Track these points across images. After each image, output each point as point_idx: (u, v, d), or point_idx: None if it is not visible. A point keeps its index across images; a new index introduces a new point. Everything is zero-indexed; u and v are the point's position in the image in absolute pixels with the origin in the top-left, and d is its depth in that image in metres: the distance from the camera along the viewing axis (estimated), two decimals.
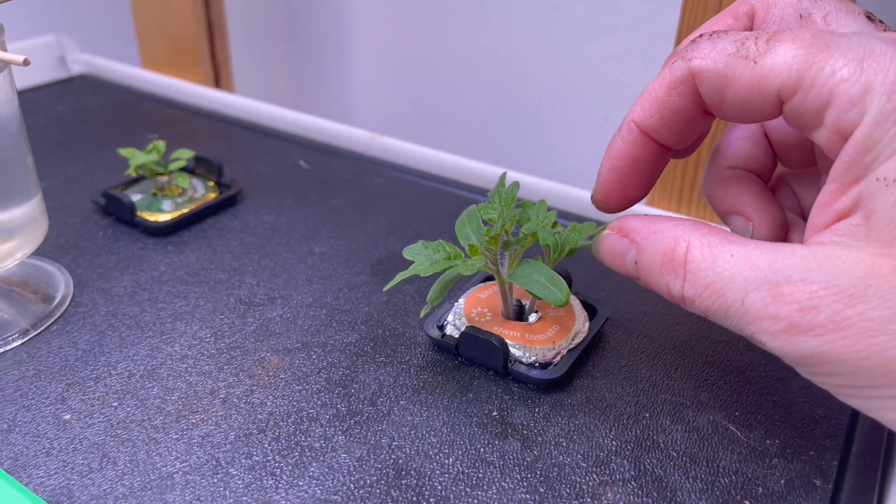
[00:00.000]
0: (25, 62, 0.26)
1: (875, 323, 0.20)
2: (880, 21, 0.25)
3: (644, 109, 0.26)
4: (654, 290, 0.26)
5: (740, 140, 0.29)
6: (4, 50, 0.31)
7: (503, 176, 0.33)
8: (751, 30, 0.27)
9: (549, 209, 0.32)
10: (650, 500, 0.26)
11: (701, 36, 0.24)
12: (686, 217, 0.27)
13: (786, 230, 0.28)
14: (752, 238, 0.26)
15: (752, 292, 0.22)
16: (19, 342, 0.33)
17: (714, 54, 0.23)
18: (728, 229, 0.27)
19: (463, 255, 0.31)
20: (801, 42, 0.22)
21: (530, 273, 0.30)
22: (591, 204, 0.29)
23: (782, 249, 0.22)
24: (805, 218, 0.29)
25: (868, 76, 0.20)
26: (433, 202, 0.46)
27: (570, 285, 0.35)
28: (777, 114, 0.23)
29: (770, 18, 0.27)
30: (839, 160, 0.22)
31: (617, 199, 0.28)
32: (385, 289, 0.31)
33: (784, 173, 0.30)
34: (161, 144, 0.44)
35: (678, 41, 0.39)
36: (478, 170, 0.49)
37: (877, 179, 0.21)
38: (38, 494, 0.25)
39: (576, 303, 0.34)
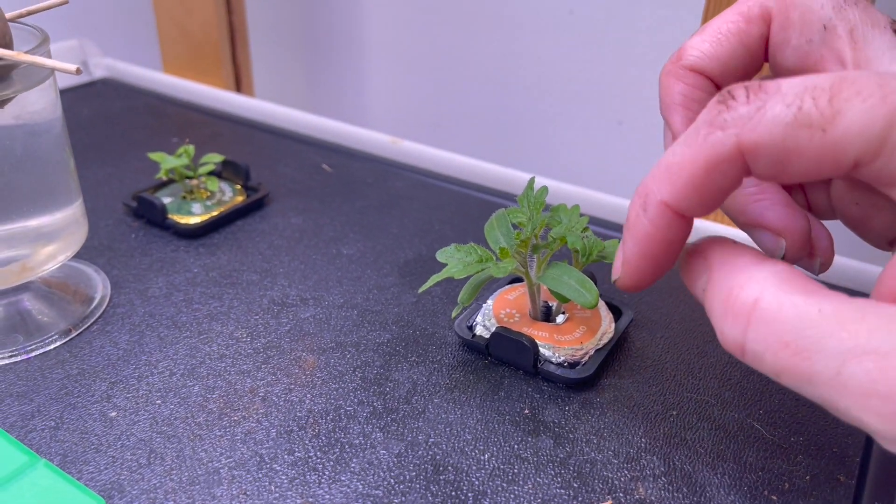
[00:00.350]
0: (78, 71, 0.27)
1: None
2: None
3: (677, 190, 0.22)
4: (720, 332, 0.22)
5: None
6: (50, 57, 0.32)
7: (531, 180, 0.34)
8: (766, 38, 0.26)
9: (581, 215, 0.33)
10: (681, 496, 0.27)
11: (734, 96, 0.21)
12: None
13: (811, 245, 0.27)
14: (783, 257, 0.26)
15: (852, 361, 0.18)
16: (60, 342, 0.34)
17: (767, 124, 0.20)
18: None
19: (493, 257, 0.32)
20: (871, 97, 0.19)
21: (560, 275, 0.31)
22: (616, 279, 0.26)
23: (882, 310, 0.19)
24: (815, 212, 0.28)
25: None
26: (454, 204, 0.47)
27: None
28: (852, 172, 0.20)
29: (791, 28, 0.25)
30: None
31: (649, 281, 0.25)
32: (420, 290, 0.32)
33: None
34: (191, 149, 0.45)
35: None
36: (497, 173, 0.50)
37: None
38: (90, 489, 0.26)
39: (601, 304, 0.35)
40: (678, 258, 0.25)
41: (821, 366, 0.19)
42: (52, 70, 0.32)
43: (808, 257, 0.27)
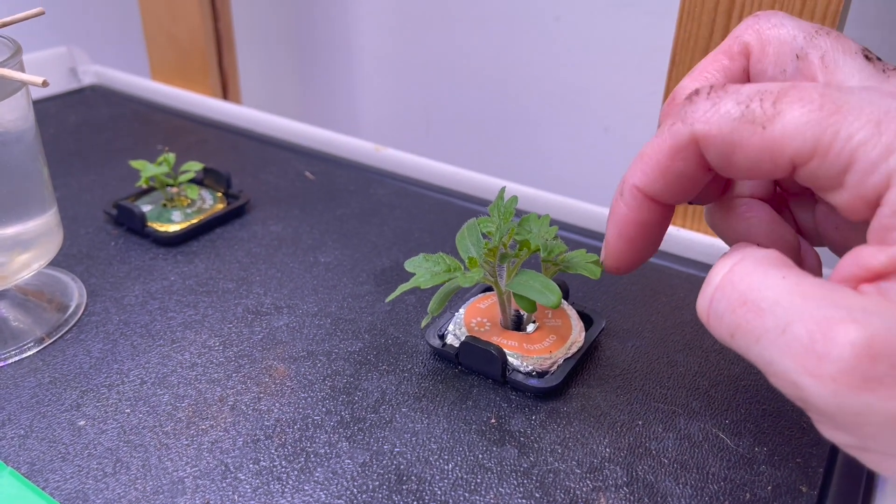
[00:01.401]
0: (44, 83, 0.28)
1: None
2: (878, 59, 0.25)
3: (646, 175, 0.25)
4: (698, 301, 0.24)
5: None
6: (22, 69, 0.32)
7: (502, 190, 0.34)
8: (747, 71, 0.27)
9: (553, 223, 0.33)
10: None
11: (698, 93, 0.23)
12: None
13: (799, 260, 0.28)
14: None
15: (797, 321, 0.20)
16: (35, 350, 0.34)
17: (718, 119, 0.22)
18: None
19: (462, 267, 0.32)
20: (810, 104, 0.21)
21: (526, 280, 0.31)
22: (602, 264, 0.28)
23: (837, 288, 0.20)
24: (802, 234, 0.29)
25: (888, 139, 0.20)
26: (435, 213, 0.47)
27: (566, 296, 0.37)
28: (790, 174, 0.22)
29: (766, 59, 0.26)
30: (876, 223, 0.21)
31: (629, 262, 0.27)
32: (387, 300, 0.32)
33: (781, 192, 0.30)
34: (171, 157, 0.45)
35: (673, 56, 0.40)
36: (479, 181, 0.50)
37: None
38: (54, 498, 0.27)
39: (572, 313, 0.35)
40: (660, 242, 0.27)
41: (770, 324, 0.20)
42: (25, 84, 0.33)
43: None
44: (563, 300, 0.36)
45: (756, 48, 0.27)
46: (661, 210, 0.26)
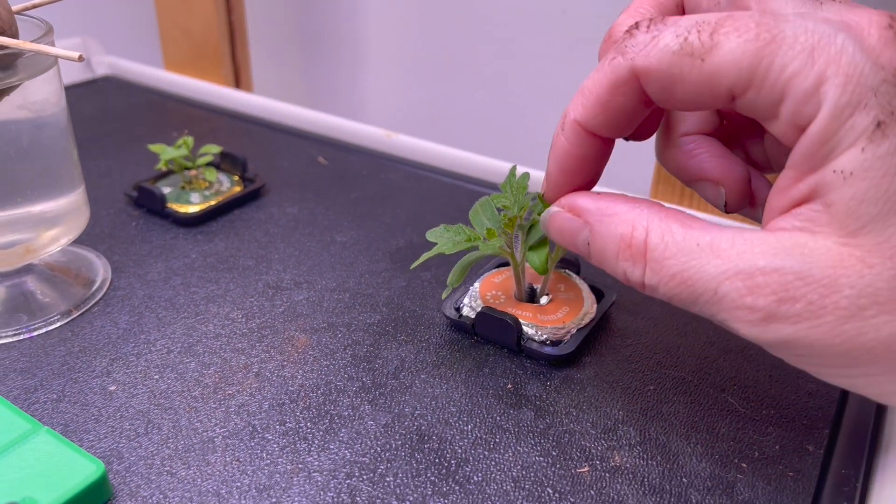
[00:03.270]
0: (80, 58, 0.29)
1: (848, 311, 0.21)
2: None
3: (586, 109, 0.25)
4: (609, 273, 0.26)
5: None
6: (54, 47, 0.33)
7: (513, 168, 0.35)
8: (682, 5, 0.27)
9: None
10: (654, 463, 0.28)
11: (637, 26, 0.23)
12: (640, 197, 0.26)
13: (751, 190, 0.29)
14: (725, 203, 0.28)
15: (725, 282, 0.22)
16: (62, 322, 0.35)
17: (657, 52, 0.22)
18: (681, 208, 0.27)
19: (482, 238, 0.33)
20: (746, 33, 0.21)
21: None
22: (543, 197, 0.29)
23: (748, 236, 0.22)
24: (756, 167, 0.30)
25: (820, 67, 0.20)
26: (446, 196, 0.48)
27: (578, 272, 0.38)
28: (729, 104, 0.23)
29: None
30: (797, 150, 0.22)
31: (566, 194, 0.28)
32: (412, 266, 0.33)
33: (731, 128, 0.30)
34: (190, 140, 0.46)
35: None
36: (488, 165, 0.51)
37: (834, 171, 0.21)
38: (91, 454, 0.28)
39: (584, 287, 0.36)
40: (598, 177, 0.28)
41: (701, 289, 0.23)
42: (56, 59, 0.34)
43: (751, 206, 0.29)
44: (575, 274, 0.37)
45: None
46: (599, 144, 0.26)
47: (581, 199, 0.26)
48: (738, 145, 0.30)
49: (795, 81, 0.21)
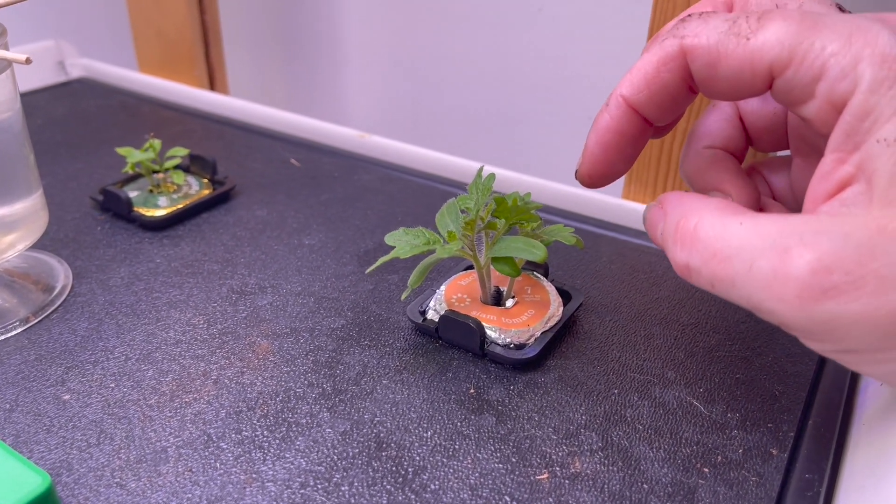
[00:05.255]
0: (28, 61, 0.28)
1: (888, 281, 0.20)
2: (849, 12, 0.26)
3: (633, 84, 0.27)
4: (672, 264, 0.26)
5: (717, 122, 0.31)
6: (6, 50, 0.32)
7: (480, 169, 0.35)
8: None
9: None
10: (615, 469, 0.27)
11: (690, 16, 0.25)
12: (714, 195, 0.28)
13: (760, 209, 0.29)
14: None
15: (760, 258, 0.22)
16: (20, 329, 0.34)
17: (706, 31, 0.24)
18: None
19: (442, 241, 0.33)
20: (791, 20, 0.23)
21: (507, 244, 0.31)
22: (575, 179, 0.30)
23: (792, 218, 0.22)
24: (777, 199, 0.31)
25: (857, 48, 0.22)
26: (418, 197, 0.48)
27: (546, 274, 0.37)
28: (766, 89, 0.24)
29: (749, 6, 0.28)
30: (838, 129, 0.22)
31: (601, 172, 0.29)
32: (367, 272, 0.32)
33: (754, 162, 0.32)
34: (157, 143, 0.45)
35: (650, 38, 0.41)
36: (461, 166, 0.51)
37: (877, 141, 0.21)
38: (39, 467, 0.27)
39: (551, 289, 0.36)
40: (632, 162, 0.29)
41: (738, 266, 0.22)
42: (10, 63, 0.33)
43: None
44: (543, 276, 0.37)
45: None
46: (640, 124, 0.28)
47: (667, 194, 0.27)
48: (761, 178, 0.31)
49: (833, 60, 0.22)
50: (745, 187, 0.29)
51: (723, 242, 0.23)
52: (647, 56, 0.26)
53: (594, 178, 0.29)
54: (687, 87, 0.26)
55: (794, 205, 0.30)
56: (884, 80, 0.21)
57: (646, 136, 0.28)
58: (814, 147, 0.28)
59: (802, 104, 0.24)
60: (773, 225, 0.22)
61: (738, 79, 0.24)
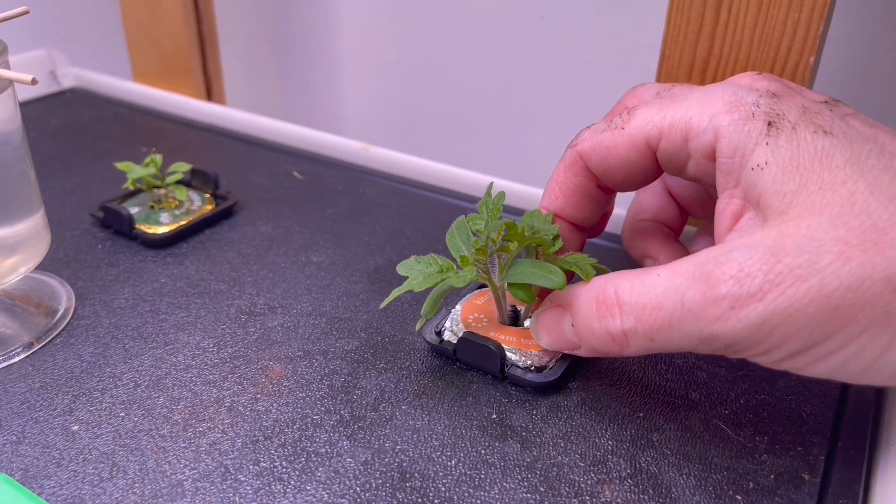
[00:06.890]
0: (34, 81, 0.27)
1: (803, 269, 0.22)
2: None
3: (550, 195, 0.32)
4: (598, 350, 0.28)
5: (649, 198, 0.36)
6: (8, 68, 0.31)
7: (490, 186, 0.34)
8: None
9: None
10: (646, 497, 0.27)
11: (580, 132, 0.31)
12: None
13: None
14: None
15: (687, 291, 0.24)
16: (23, 355, 0.33)
17: (591, 134, 0.30)
18: None
19: (455, 266, 0.32)
20: (652, 104, 0.28)
21: (523, 269, 0.31)
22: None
23: (702, 252, 0.25)
24: None
25: (710, 106, 0.26)
26: (425, 210, 0.47)
27: None
28: (656, 167, 0.29)
29: (628, 101, 0.34)
30: (718, 172, 0.26)
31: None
32: (381, 306, 0.32)
33: (702, 227, 0.37)
34: (158, 158, 0.44)
35: (663, 52, 0.40)
36: (467, 178, 0.50)
37: (752, 169, 0.25)
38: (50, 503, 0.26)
39: None
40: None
41: (671, 307, 0.25)
42: (11, 82, 0.32)
43: None
44: None
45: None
46: (570, 228, 0.33)
47: (555, 294, 0.30)
48: (710, 240, 0.35)
49: (694, 121, 0.27)
50: (675, 252, 0.33)
51: (649, 295, 0.25)
52: (555, 170, 0.32)
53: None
54: (595, 184, 0.31)
55: None
56: (737, 120, 0.26)
57: (582, 237, 0.33)
58: None
59: (685, 166, 0.28)
60: (688, 262, 0.25)
61: (627, 162, 0.29)
